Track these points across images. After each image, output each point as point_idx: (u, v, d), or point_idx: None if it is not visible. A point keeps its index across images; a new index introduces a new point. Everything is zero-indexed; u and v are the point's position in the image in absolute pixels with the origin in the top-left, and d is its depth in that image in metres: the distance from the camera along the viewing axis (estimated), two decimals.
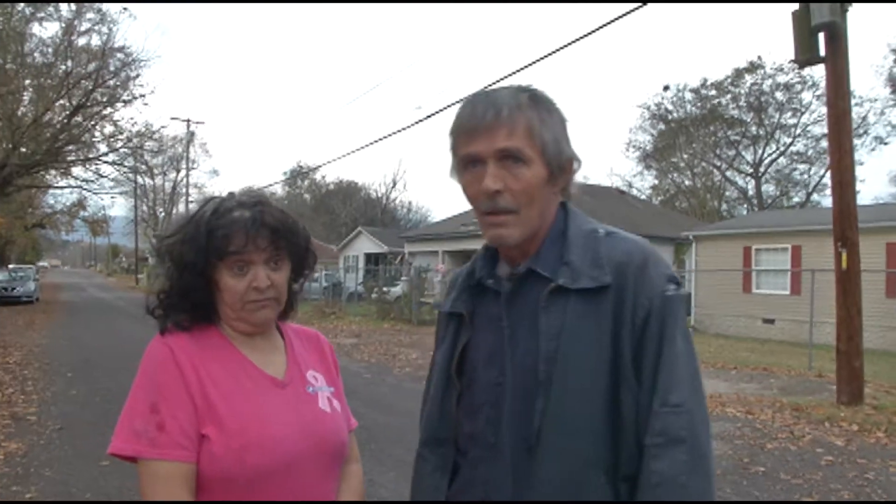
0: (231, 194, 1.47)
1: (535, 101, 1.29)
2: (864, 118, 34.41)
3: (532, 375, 1.24)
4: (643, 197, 42.49)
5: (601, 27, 11.12)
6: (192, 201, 41.94)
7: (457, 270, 1.55)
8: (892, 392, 9.44)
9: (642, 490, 1.17)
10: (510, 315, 1.32)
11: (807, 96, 38.00)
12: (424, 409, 1.48)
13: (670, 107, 43.07)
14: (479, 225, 1.33)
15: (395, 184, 56.64)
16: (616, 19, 10.98)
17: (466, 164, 1.29)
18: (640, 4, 10.05)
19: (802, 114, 38.65)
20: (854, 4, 7.71)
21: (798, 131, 39.32)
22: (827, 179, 36.46)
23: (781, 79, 38.04)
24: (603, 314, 1.23)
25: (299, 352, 1.55)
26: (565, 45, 12.19)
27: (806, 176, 41.12)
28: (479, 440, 1.32)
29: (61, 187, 37.22)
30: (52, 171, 33.58)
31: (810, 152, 39.52)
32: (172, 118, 50.91)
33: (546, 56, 15.15)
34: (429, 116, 22.45)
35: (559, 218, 1.35)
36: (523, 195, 1.26)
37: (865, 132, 34.47)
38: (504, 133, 1.24)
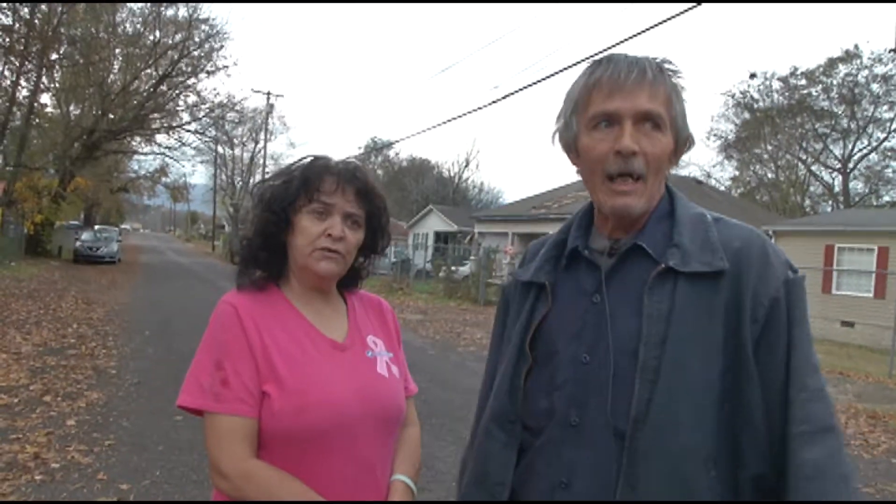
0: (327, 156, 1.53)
1: (671, 73, 1.28)
2: None
3: (631, 359, 1.17)
4: (722, 188, 41.10)
5: (684, 12, 10.78)
6: (268, 172, 42.86)
7: (537, 241, 1.50)
8: None
9: (795, 482, 1.09)
10: (609, 292, 1.25)
11: None
12: (489, 383, 1.43)
13: (756, 95, 41.28)
14: (597, 192, 1.27)
15: (467, 163, 56.10)
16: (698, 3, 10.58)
17: (597, 123, 1.25)
18: None
19: None
20: None
21: (894, 126, 37.26)
22: None
23: (879, 69, 36.07)
24: (717, 300, 1.17)
25: (361, 317, 1.57)
26: (646, 29, 11.86)
27: None
28: (559, 419, 1.24)
29: (145, 153, 38.75)
30: (138, 138, 34.97)
31: None
32: (254, 90, 52.33)
33: (627, 39, 14.74)
34: (505, 97, 22.37)
35: (664, 197, 1.31)
36: (655, 161, 1.23)
37: None
38: (647, 95, 1.22)
